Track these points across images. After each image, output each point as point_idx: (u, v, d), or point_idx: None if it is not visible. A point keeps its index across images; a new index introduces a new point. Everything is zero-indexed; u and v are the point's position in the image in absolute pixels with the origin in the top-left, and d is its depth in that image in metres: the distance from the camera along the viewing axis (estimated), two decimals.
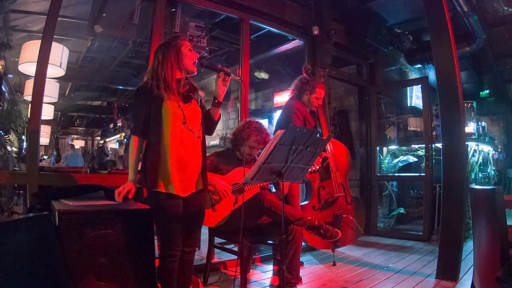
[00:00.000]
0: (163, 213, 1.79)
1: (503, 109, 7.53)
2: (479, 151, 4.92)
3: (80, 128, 14.33)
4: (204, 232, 2.40)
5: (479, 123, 5.19)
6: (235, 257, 2.86)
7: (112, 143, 12.31)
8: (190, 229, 1.91)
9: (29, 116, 2.60)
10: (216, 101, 2.00)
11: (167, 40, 1.94)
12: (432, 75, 5.34)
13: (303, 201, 3.31)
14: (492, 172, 5.41)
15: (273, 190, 2.95)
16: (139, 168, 1.86)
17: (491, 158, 5.57)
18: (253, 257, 3.19)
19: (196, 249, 2.01)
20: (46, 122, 7.19)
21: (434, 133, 4.46)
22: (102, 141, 13.34)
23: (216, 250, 3.01)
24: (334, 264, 3.20)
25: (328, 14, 4.21)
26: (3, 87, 4.34)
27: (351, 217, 3.32)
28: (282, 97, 6.54)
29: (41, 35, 2.49)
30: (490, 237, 1.94)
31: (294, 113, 2.92)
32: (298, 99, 3.09)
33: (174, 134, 1.80)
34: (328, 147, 3.28)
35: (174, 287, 1.83)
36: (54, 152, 10.53)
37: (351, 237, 3.37)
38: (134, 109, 1.86)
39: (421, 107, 4.94)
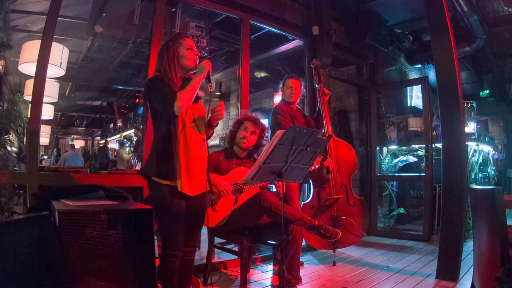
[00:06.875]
0: (167, 211, 1.77)
1: (503, 109, 7.53)
2: (479, 151, 4.92)
3: (80, 128, 14.34)
4: (204, 232, 2.40)
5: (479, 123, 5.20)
6: (235, 257, 2.86)
7: (112, 143, 12.28)
8: (191, 229, 1.90)
9: (29, 116, 2.60)
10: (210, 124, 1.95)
11: (168, 40, 1.91)
12: (432, 75, 5.34)
13: (305, 200, 3.32)
14: (492, 172, 5.41)
15: (273, 189, 2.95)
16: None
17: (491, 158, 5.56)
18: (253, 257, 3.19)
19: (196, 249, 2.00)
20: (46, 122, 7.17)
21: (434, 133, 4.46)
22: (103, 141, 13.30)
23: (216, 250, 3.01)
24: (334, 264, 3.20)
25: (328, 14, 4.20)
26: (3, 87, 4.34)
27: (350, 219, 3.23)
28: None
29: (41, 35, 2.49)
30: (490, 237, 1.94)
31: (279, 114, 3.04)
32: (282, 100, 3.24)
33: (185, 131, 1.79)
34: (329, 146, 3.26)
35: (174, 287, 1.83)
36: (55, 152, 10.53)
37: (350, 239, 3.27)
38: (161, 90, 1.72)
39: (421, 107, 4.94)
